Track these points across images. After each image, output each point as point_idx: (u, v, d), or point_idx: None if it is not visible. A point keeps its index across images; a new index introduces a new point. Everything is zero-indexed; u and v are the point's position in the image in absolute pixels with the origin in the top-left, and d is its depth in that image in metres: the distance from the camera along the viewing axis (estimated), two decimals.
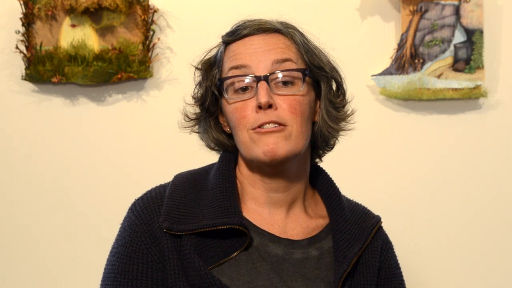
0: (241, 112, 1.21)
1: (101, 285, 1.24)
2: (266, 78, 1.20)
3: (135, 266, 1.20)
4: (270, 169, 1.24)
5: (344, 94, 1.31)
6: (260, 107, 1.19)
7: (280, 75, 1.21)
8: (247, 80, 1.21)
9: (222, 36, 1.28)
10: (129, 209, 1.26)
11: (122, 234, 1.24)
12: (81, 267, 2.20)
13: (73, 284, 2.21)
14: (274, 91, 1.20)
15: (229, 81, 1.23)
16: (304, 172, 1.30)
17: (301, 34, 1.27)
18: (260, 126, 1.19)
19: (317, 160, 1.37)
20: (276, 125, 1.19)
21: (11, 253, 2.23)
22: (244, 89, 1.22)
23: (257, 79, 1.20)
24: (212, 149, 1.34)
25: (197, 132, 1.34)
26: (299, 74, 1.22)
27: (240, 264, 1.20)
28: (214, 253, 1.19)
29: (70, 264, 2.21)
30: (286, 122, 1.20)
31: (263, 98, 1.18)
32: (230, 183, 1.25)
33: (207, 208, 1.22)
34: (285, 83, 1.22)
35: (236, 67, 1.22)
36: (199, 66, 1.30)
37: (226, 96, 1.23)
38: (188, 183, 1.27)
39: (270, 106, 1.19)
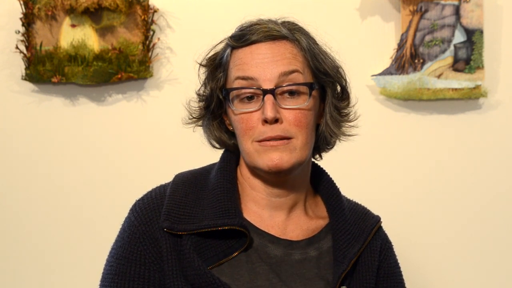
0: (247, 123, 1.21)
1: (100, 285, 1.25)
2: (272, 92, 1.20)
3: (133, 267, 1.20)
4: (273, 178, 1.24)
5: (348, 97, 1.31)
6: (266, 121, 1.19)
7: (286, 88, 1.21)
8: (253, 90, 1.21)
9: (229, 39, 1.27)
10: (129, 210, 1.27)
11: (122, 235, 1.25)
12: (81, 267, 2.19)
13: (73, 284, 2.21)
14: (280, 105, 1.21)
15: (235, 92, 1.23)
16: (306, 176, 1.30)
17: (308, 37, 1.26)
18: (265, 140, 1.20)
19: (317, 157, 1.37)
20: (281, 139, 1.20)
21: (10, 253, 2.23)
22: (250, 98, 1.22)
23: (264, 92, 1.20)
24: (214, 147, 1.34)
25: (200, 126, 1.34)
26: (306, 88, 1.23)
27: (240, 264, 1.20)
28: (214, 253, 1.20)
29: (70, 264, 2.21)
30: (292, 135, 1.20)
31: (270, 113, 1.18)
32: (231, 183, 1.26)
33: (208, 208, 1.22)
34: (291, 93, 1.22)
35: (243, 78, 1.22)
36: (204, 63, 1.30)
37: (232, 106, 1.24)
38: (189, 183, 1.27)
39: (276, 120, 1.19)
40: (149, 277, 1.19)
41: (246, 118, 1.22)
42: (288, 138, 1.20)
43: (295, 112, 1.21)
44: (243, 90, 1.22)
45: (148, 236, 1.21)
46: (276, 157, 1.19)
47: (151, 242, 1.20)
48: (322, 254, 1.26)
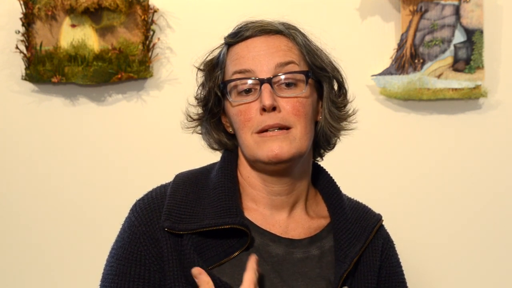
0: (245, 114, 1.21)
1: (100, 286, 1.25)
2: (269, 81, 1.20)
3: (133, 268, 1.20)
4: (274, 169, 1.24)
5: (345, 93, 1.32)
6: (264, 109, 1.19)
7: (283, 77, 1.22)
8: (251, 82, 1.22)
9: (225, 38, 1.28)
10: (130, 210, 1.27)
11: (122, 235, 1.25)
12: (81, 267, 2.20)
13: (73, 284, 2.21)
14: (278, 94, 1.21)
15: (232, 84, 1.23)
16: (307, 173, 1.30)
17: (303, 35, 1.28)
18: (264, 130, 1.20)
19: (318, 158, 1.37)
20: (280, 129, 1.20)
21: (11, 253, 2.23)
22: (248, 91, 1.22)
23: (261, 81, 1.20)
24: (214, 149, 1.34)
25: (199, 133, 1.34)
26: (302, 76, 1.23)
27: (241, 264, 1.19)
28: (215, 253, 1.19)
29: (70, 264, 2.21)
30: (290, 124, 1.20)
31: (267, 101, 1.19)
32: (232, 182, 1.26)
33: (209, 208, 1.22)
34: (288, 85, 1.22)
35: (240, 72, 1.23)
36: (202, 67, 1.30)
37: (229, 98, 1.24)
38: (189, 182, 1.27)
39: (274, 108, 1.20)
40: (149, 277, 1.19)
41: (244, 109, 1.22)
42: (287, 128, 1.20)
43: (293, 101, 1.21)
44: (241, 81, 1.22)
45: (148, 236, 1.21)
46: (276, 147, 1.19)
47: (151, 243, 1.20)
48: (324, 253, 1.26)
